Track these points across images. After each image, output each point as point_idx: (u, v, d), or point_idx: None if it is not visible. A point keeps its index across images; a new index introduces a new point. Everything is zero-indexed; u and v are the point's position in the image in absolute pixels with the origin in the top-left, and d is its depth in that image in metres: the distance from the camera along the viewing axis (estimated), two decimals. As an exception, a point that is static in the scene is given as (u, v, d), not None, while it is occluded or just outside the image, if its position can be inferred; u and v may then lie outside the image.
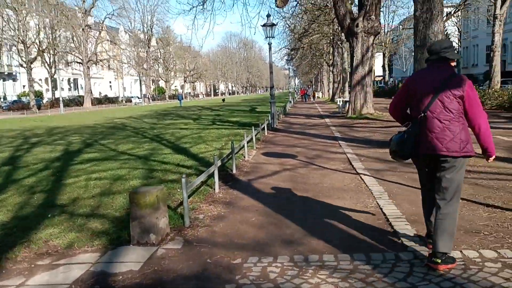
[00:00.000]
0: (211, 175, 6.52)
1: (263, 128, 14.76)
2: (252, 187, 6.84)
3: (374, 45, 21.36)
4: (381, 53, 57.75)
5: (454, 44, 64.54)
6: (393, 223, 4.60)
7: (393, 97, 3.89)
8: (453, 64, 3.57)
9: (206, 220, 5.10)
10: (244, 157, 9.68)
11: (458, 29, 64.65)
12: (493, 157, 3.52)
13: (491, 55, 24.39)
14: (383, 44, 53.08)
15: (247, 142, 10.22)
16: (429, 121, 3.45)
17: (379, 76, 71.07)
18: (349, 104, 21.11)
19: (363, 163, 8.29)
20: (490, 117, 18.02)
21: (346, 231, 4.48)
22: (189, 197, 5.71)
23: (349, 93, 21.58)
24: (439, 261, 3.40)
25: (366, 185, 6.46)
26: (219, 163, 6.72)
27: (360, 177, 7.07)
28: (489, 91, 23.53)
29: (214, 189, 6.54)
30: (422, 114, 3.46)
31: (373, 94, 21.59)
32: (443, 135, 3.39)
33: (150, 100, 71.02)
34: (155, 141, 13.66)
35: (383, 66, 60.66)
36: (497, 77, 24.29)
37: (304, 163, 8.81)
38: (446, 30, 66.15)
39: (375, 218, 4.85)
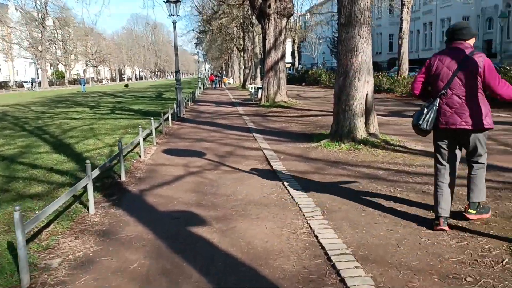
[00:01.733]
0: (84, 190, 4.72)
1: (167, 118, 12.93)
2: (144, 202, 5.14)
3: (286, 28, 20.21)
4: (291, 40, 57.69)
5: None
6: (337, 265, 3.19)
7: (415, 77, 4.11)
8: (471, 42, 3.83)
9: (62, 270, 3.34)
10: (140, 156, 7.88)
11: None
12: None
13: (399, 42, 24.51)
14: (292, 30, 52.88)
15: (144, 137, 8.41)
16: (449, 97, 3.75)
17: (288, 63, 71.33)
18: (262, 91, 19.87)
19: (283, 163, 6.92)
20: (403, 105, 17.90)
21: (272, 284, 3.00)
22: (45, 226, 3.93)
23: (262, 79, 20.31)
24: (474, 211, 3.90)
25: (292, 197, 5.05)
26: (94, 173, 4.91)
27: (283, 184, 5.66)
28: (398, 78, 23.67)
29: (88, 209, 4.75)
30: (443, 91, 3.76)
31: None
32: (462, 110, 3.69)
33: (47, 85, 64.73)
34: (34, 135, 11.24)
35: (293, 53, 60.78)
36: (405, 64, 24.51)
37: (214, 163, 7.24)
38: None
39: (310, 254, 3.44)
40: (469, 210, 3.88)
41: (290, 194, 5.15)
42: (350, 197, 4.90)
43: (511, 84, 3.76)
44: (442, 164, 3.92)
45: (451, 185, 3.89)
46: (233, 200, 5.03)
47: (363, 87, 8.25)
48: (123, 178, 6.24)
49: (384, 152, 7.37)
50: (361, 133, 8.21)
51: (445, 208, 3.80)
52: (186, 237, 3.94)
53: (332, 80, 35.14)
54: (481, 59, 3.68)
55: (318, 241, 3.66)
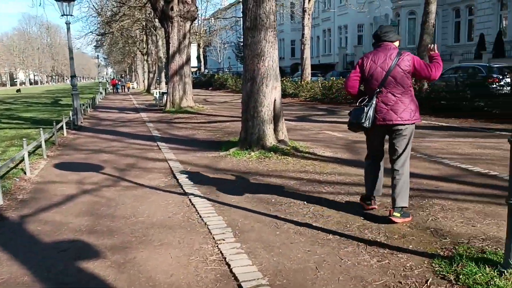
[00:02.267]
0: None
1: (61, 127, 11.75)
2: (24, 232, 4.34)
3: (191, 32, 19.67)
4: (196, 44, 57.02)
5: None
6: (254, 300, 2.80)
7: (347, 77, 4.27)
8: (397, 44, 4.14)
9: None
10: (25, 173, 6.89)
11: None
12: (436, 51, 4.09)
13: (302, 47, 25.12)
14: (197, 34, 52.31)
15: (32, 150, 7.40)
16: (384, 95, 3.97)
17: (194, 67, 70.49)
18: (167, 96, 19.11)
19: (191, 175, 6.43)
20: (308, 110, 18.27)
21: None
22: None
23: (166, 84, 19.56)
24: (399, 215, 3.98)
25: (200, 216, 4.57)
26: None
27: (190, 200, 5.16)
28: (302, 83, 24.22)
29: (-50, 246, 3.86)
30: (378, 90, 3.98)
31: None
32: (397, 107, 3.93)
33: None
34: None
35: (198, 57, 60.15)
36: (308, 70, 25.16)
37: (113, 178, 6.52)
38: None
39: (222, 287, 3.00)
40: (394, 214, 3.99)
41: (198, 213, 4.67)
42: (263, 212, 4.55)
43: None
44: (373, 155, 4.34)
45: (381, 173, 4.33)
46: (133, 223, 4.44)
47: (271, 93, 8.03)
48: (1, 201, 5.32)
49: (295, 160, 7.18)
50: (270, 140, 7.98)
51: (377, 189, 4.33)
52: (74, 275, 3.29)
53: (238, 85, 35.19)
54: (409, 57, 4.02)
55: (231, 271, 3.23)
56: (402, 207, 4.03)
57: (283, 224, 4.20)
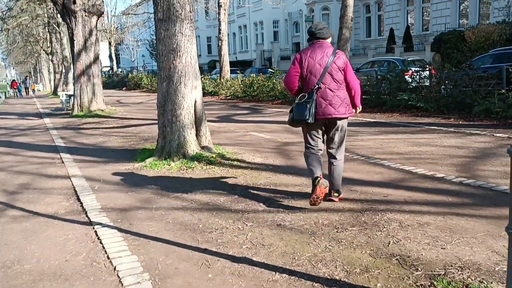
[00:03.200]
0: None
1: None
2: None
3: (98, 29, 18.01)
4: (107, 42, 53.91)
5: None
6: None
7: (287, 73, 4.35)
8: (329, 40, 4.36)
9: None
10: None
11: (181, 20, 66.27)
12: (358, 108, 4.46)
13: (219, 44, 24.26)
14: (108, 31, 49.48)
15: None
16: (323, 91, 4.19)
17: (106, 66, 66.95)
18: (74, 99, 17.32)
19: (98, 196, 5.32)
20: (230, 109, 17.44)
21: None
22: None
23: (74, 85, 17.76)
24: (337, 195, 4.59)
25: (108, 256, 3.55)
26: None
27: (96, 233, 4.11)
28: (221, 80, 23.39)
29: None
30: (317, 86, 4.18)
31: (102, 86, 18.37)
32: (335, 101, 4.18)
33: None
34: None
35: (110, 56, 56.99)
36: (226, 67, 24.38)
37: (-2, 206, 5.24)
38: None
39: None
40: (334, 194, 4.55)
41: (106, 252, 3.64)
42: (190, 245, 3.65)
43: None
44: (312, 147, 4.43)
45: (318, 162, 4.40)
46: (16, 274, 3.32)
47: (191, 93, 7.10)
48: None
49: (222, 170, 6.32)
50: (193, 147, 7.05)
51: (319, 171, 4.33)
52: None
53: (154, 84, 33.57)
54: (343, 57, 4.26)
55: None
56: (339, 189, 4.58)
57: (215, 261, 3.32)
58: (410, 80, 13.12)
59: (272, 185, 5.38)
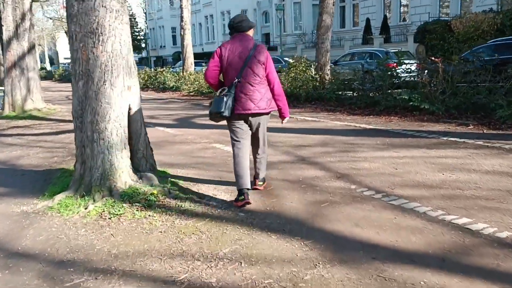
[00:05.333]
0: None
1: None
2: None
3: (33, 12, 15.22)
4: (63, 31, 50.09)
5: (141, 26, 62.76)
6: None
7: (207, 67, 4.23)
8: (251, 33, 4.28)
9: None
10: None
11: (143, 10, 63.07)
12: (287, 118, 4.51)
13: (182, 33, 21.78)
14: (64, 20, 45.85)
15: None
16: (243, 85, 4.11)
17: (68, 58, 62.57)
18: (4, 97, 14.53)
19: None
20: (193, 109, 14.79)
21: None
22: None
23: (4, 80, 14.95)
24: (261, 183, 4.71)
25: None
26: None
27: None
28: (184, 74, 20.91)
29: None
30: (237, 80, 4.09)
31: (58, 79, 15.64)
32: (255, 96, 4.12)
33: None
34: None
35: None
36: (190, 59, 21.92)
37: None
38: (131, 11, 63.64)
39: None
40: (259, 183, 4.67)
41: None
42: None
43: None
44: (238, 140, 4.30)
45: (248, 161, 4.29)
46: None
47: (122, 97, 4.76)
48: None
49: (166, 219, 4.02)
50: (124, 178, 4.73)
51: (247, 181, 4.21)
52: None
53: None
54: (264, 50, 4.22)
55: None
56: (264, 178, 4.71)
57: None
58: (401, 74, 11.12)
59: (244, 258, 3.14)
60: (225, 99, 4.05)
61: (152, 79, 24.38)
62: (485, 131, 7.16)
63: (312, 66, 13.60)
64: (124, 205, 4.34)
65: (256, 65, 4.09)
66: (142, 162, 5.16)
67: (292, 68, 14.12)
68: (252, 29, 4.25)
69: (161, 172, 5.44)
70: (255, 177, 4.63)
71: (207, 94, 17.93)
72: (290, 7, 34.77)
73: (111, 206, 4.35)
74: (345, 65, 17.14)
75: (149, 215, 4.11)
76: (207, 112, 4.37)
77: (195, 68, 22.65)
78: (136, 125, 5.08)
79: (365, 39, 27.21)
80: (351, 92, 11.97)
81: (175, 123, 10.41)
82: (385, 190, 4.53)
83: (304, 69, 13.71)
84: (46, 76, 54.17)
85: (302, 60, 14.19)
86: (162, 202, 4.43)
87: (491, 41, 13.01)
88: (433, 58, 9.29)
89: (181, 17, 21.74)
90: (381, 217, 3.80)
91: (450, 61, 9.24)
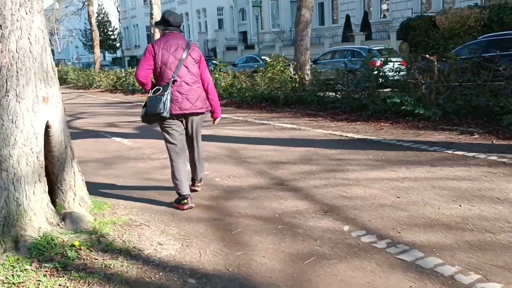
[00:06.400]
0: None
1: None
2: None
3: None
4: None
5: (116, 24, 60.79)
6: None
7: (139, 66, 4.06)
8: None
9: None
10: None
11: (117, 8, 61.19)
12: (219, 118, 4.39)
13: (152, 31, 20.43)
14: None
15: None
16: (179, 84, 3.99)
17: None
18: None
19: None
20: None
21: None
22: None
23: None
24: (200, 184, 4.66)
25: None
26: None
27: None
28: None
29: None
30: (172, 79, 3.96)
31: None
32: (191, 96, 4.03)
33: None
34: None
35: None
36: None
37: None
38: (104, 9, 61.60)
39: None
40: (198, 184, 4.61)
41: None
42: None
43: None
44: (174, 143, 4.12)
45: (185, 163, 4.20)
46: None
47: (34, 112, 3.52)
48: None
49: (80, 294, 2.80)
50: (37, 222, 3.47)
51: (187, 186, 4.15)
52: None
53: (81, 79, 29.16)
54: (197, 49, 4.16)
55: None
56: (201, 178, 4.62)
57: None
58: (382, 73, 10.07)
59: None
60: (163, 98, 3.90)
61: (121, 81, 22.94)
62: (494, 142, 6.09)
63: (291, 66, 12.47)
64: (28, 267, 3.08)
65: (192, 63, 4.04)
66: (68, 196, 3.91)
67: (269, 68, 12.96)
68: (180, 27, 4.18)
69: (98, 205, 4.19)
70: (194, 178, 4.56)
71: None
72: (267, 4, 33.65)
73: (11, 267, 3.09)
74: (325, 64, 16.09)
75: (59, 285, 2.86)
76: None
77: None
78: (59, 148, 3.83)
79: (345, 37, 26.25)
80: (334, 94, 10.88)
81: (135, 132, 9.11)
82: (390, 233, 3.38)
83: (282, 68, 12.56)
84: None
85: (280, 59, 13.04)
86: (84, 259, 3.17)
87: (481, 37, 12.07)
88: (427, 55, 8.20)
89: (151, 14, 20.37)
90: (391, 285, 2.65)
91: (446, 58, 8.18)
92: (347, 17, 26.64)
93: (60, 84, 23.64)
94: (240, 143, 7.22)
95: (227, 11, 40.85)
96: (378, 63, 11.17)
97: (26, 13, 3.48)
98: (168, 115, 3.93)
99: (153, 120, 4.07)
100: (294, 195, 4.44)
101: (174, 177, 4.10)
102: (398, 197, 4.16)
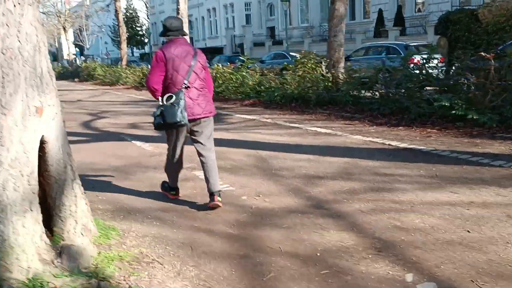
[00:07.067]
0: None
1: None
2: None
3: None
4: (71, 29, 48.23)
5: (142, 19, 60.90)
6: None
7: (151, 72, 4.06)
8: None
9: None
10: None
11: (146, 4, 61.26)
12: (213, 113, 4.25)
13: (178, 27, 19.84)
14: (61, 16, 44.20)
15: None
16: (190, 90, 4.00)
17: (74, 54, 60.78)
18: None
19: None
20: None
21: None
22: None
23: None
24: (220, 198, 4.13)
25: None
26: None
27: None
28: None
29: None
30: (184, 85, 3.95)
31: (56, 77, 13.80)
32: (201, 100, 4.06)
33: None
34: None
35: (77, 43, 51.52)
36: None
37: None
38: (132, 5, 61.78)
39: None
40: (218, 199, 4.10)
41: None
42: None
43: None
44: (177, 146, 4.18)
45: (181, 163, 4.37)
46: None
47: (24, 126, 2.90)
48: None
49: None
50: (26, 260, 2.84)
51: (177, 179, 4.45)
52: None
53: (108, 75, 28.99)
54: (203, 54, 4.15)
55: None
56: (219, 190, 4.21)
57: None
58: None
59: None
60: (179, 107, 3.89)
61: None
62: None
63: (323, 63, 11.66)
64: (8, 325, 2.46)
65: (200, 69, 4.06)
66: (67, 224, 3.28)
67: (299, 65, 12.19)
68: (180, 31, 4.13)
69: (105, 233, 3.56)
70: (212, 192, 4.12)
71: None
72: (296, -2, 32.76)
73: (-12, 324, 2.47)
74: (358, 61, 15.19)
75: None
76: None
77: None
78: (57, 168, 3.20)
79: (378, 32, 25.16)
80: (370, 94, 10.04)
81: (157, 135, 8.49)
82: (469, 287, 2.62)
83: (313, 66, 11.78)
84: (45, 73, 52.56)
85: (311, 56, 12.25)
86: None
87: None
88: (482, 53, 7.27)
89: (177, 10, 19.76)
90: None
91: (504, 55, 7.24)
92: (380, 12, 25.53)
93: (87, 81, 23.24)
94: (269, 150, 6.51)
95: (254, 6, 40.11)
96: (416, 60, 10.31)
97: (14, 5, 2.84)
98: (187, 122, 3.93)
99: (169, 128, 4.06)
100: (337, 223, 3.69)
101: (168, 170, 4.36)
102: (469, 231, 3.37)
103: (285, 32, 28.83)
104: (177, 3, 19.92)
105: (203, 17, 47.15)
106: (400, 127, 7.56)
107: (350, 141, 6.85)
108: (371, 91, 9.93)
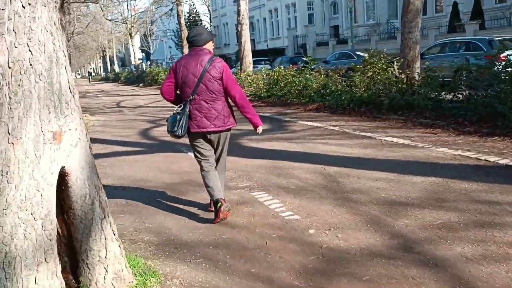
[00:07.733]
0: None
1: None
2: None
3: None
4: (138, 34, 49.69)
5: (205, 23, 61.61)
6: None
7: (164, 82, 4.10)
8: (208, 46, 4.00)
9: None
10: None
11: (208, 8, 61.96)
12: (260, 126, 4.19)
13: (239, 28, 19.34)
14: (128, 22, 45.57)
15: None
16: (197, 102, 3.93)
17: (140, 59, 62.84)
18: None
19: None
20: (245, 122, 12.39)
21: None
22: None
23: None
24: (227, 209, 3.97)
25: None
26: None
27: None
28: (241, 75, 18.41)
29: None
30: (191, 97, 3.92)
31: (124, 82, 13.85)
32: (210, 114, 3.94)
33: None
34: None
35: (143, 48, 53.15)
36: (248, 57, 19.38)
37: None
38: (196, 9, 62.73)
39: None
40: (227, 205, 3.99)
41: None
42: None
43: None
44: (203, 159, 4.11)
45: (217, 175, 4.13)
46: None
47: (35, 156, 2.31)
48: None
49: None
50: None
51: (220, 190, 4.07)
52: None
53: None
54: (220, 64, 3.94)
55: None
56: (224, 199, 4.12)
57: None
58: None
59: None
60: (177, 117, 3.94)
61: (208, 81, 22.23)
62: None
63: (395, 63, 10.58)
64: None
65: (210, 81, 3.91)
66: (96, 272, 2.68)
67: (368, 66, 11.17)
68: (210, 42, 4.03)
69: (143, 280, 2.93)
70: (216, 199, 4.08)
71: (265, 98, 15.36)
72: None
73: None
74: (433, 59, 13.84)
75: None
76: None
77: (254, 68, 20.18)
78: (83, 205, 2.61)
79: (452, 27, 23.30)
80: (451, 97, 8.87)
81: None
82: None
83: (384, 66, 10.72)
84: (114, 78, 54.73)
85: (382, 55, 11.18)
86: None
87: None
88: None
89: (238, 11, 19.31)
90: None
91: None
92: (455, 4, 23.63)
93: (151, 85, 23.18)
94: (338, 166, 5.67)
95: (317, 4, 39.02)
96: (503, 57, 9.00)
97: (23, 7, 2.26)
98: (181, 134, 3.94)
99: (172, 136, 4.03)
100: (436, 276, 2.81)
101: (206, 185, 4.10)
102: None
103: (349, 30, 27.57)
104: (238, 4, 19.47)
105: (264, 19, 46.67)
106: (495, 137, 6.41)
107: (435, 155, 5.84)
108: (453, 94, 8.77)
